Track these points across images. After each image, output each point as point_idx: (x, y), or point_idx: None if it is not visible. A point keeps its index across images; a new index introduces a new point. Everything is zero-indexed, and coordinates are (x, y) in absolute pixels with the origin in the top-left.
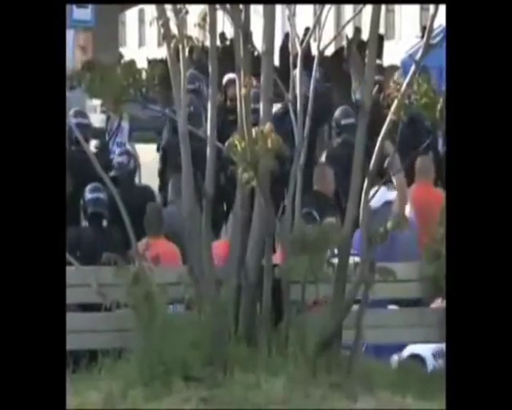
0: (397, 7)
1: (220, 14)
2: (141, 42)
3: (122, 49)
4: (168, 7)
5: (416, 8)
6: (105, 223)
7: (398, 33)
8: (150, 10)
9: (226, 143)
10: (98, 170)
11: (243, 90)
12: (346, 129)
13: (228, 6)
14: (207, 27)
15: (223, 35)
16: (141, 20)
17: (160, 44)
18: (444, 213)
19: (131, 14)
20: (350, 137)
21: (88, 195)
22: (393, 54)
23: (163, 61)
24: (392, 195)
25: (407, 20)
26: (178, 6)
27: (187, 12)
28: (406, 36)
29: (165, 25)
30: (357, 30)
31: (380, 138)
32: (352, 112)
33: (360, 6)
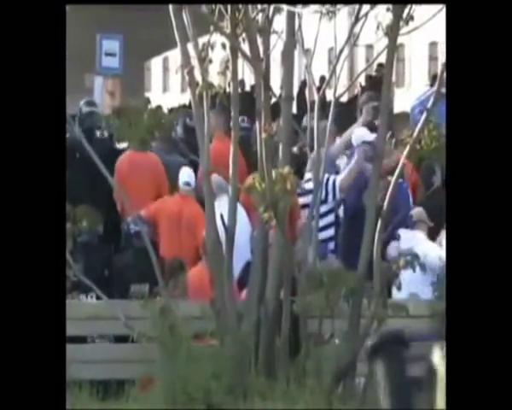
0: (407, 56)
1: (240, 61)
2: (165, 88)
3: (147, 95)
4: (192, 55)
5: (425, 57)
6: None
7: (408, 81)
8: (174, 58)
9: (246, 184)
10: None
11: (263, 135)
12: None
13: (249, 55)
14: (229, 75)
15: (242, 82)
16: (165, 68)
17: (183, 90)
18: None
19: (156, 61)
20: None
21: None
22: (403, 101)
23: (186, 107)
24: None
25: (416, 69)
26: (203, 54)
27: (211, 61)
28: (415, 84)
29: (190, 73)
30: (370, 78)
31: (393, 181)
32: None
33: (373, 56)
